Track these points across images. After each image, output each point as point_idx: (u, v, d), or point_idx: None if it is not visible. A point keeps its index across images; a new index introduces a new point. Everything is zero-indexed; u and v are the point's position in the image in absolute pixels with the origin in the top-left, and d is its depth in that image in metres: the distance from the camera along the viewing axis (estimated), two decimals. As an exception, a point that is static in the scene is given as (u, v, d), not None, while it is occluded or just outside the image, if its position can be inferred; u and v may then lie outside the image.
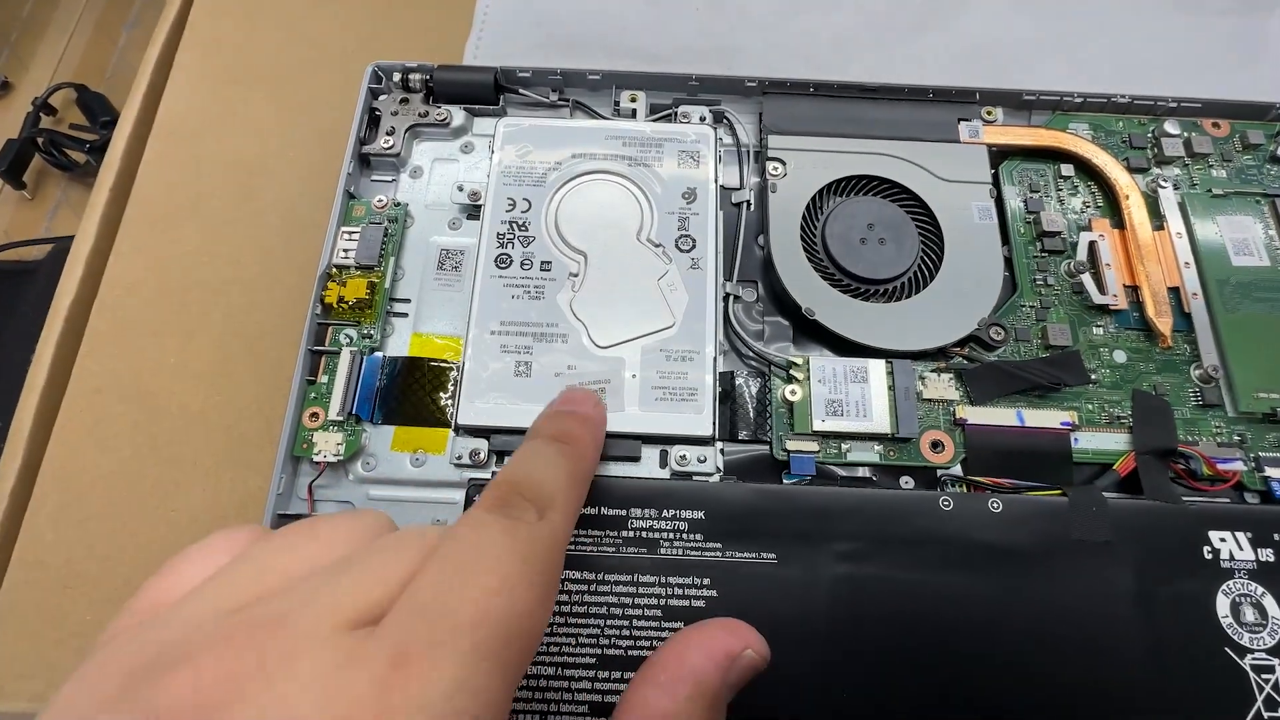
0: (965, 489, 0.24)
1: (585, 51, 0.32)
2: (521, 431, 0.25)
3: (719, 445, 0.24)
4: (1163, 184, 0.28)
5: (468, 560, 0.13)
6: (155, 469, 0.26)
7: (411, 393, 0.25)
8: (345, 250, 0.27)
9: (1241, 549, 0.23)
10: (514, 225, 0.27)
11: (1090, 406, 0.25)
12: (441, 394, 0.25)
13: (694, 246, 0.26)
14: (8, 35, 0.54)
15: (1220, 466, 0.24)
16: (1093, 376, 0.26)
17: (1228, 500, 0.24)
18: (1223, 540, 0.23)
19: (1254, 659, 0.22)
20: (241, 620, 0.12)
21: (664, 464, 0.24)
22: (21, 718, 0.23)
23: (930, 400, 0.25)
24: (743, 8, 0.34)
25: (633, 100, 0.30)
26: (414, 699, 0.11)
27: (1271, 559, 0.23)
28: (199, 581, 0.13)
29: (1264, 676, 0.22)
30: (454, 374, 0.25)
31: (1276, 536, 0.23)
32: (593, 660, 0.21)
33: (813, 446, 0.24)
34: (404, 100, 0.29)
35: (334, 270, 0.26)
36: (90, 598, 0.25)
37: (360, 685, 0.11)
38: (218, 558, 0.14)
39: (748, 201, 0.28)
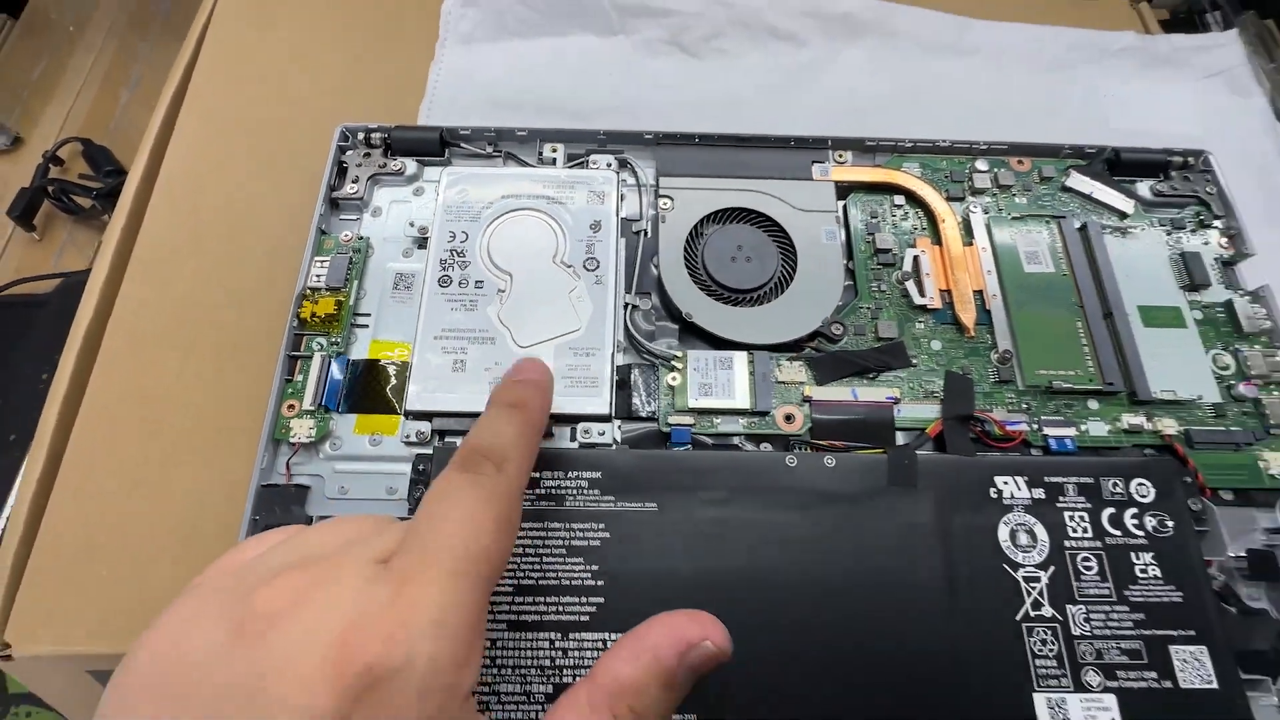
0: (807, 450, 0.30)
1: (519, 111, 0.39)
2: (458, 415, 0.31)
3: (616, 422, 0.31)
4: (973, 209, 0.35)
5: (442, 508, 0.18)
6: (159, 456, 0.32)
7: (370, 387, 0.31)
8: (318, 275, 0.33)
9: (1020, 489, 0.29)
10: (454, 253, 0.33)
11: (911, 384, 0.32)
12: (393, 387, 0.31)
13: (598, 267, 0.33)
14: (19, 95, 0.61)
15: (1009, 428, 0.31)
16: (914, 361, 0.32)
17: (1016, 454, 0.31)
18: (1005, 483, 0.29)
19: (1025, 572, 0.28)
20: (301, 560, 0.18)
21: (573, 438, 0.30)
22: (46, 660, 0.29)
23: (784, 382, 0.31)
24: (651, 74, 0.42)
25: (554, 151, 0.37)
26: (415, 603, 0.16)
27: (1042, 496, 0.29)
28: (263, 551, 0.19)
29: (1031, 584, 0.28)
30: (404, 371, 0.31)
31: (1046, 479, 0.29)
32: (510, 588, 0.27)
33: (689, 420, 0.30)
34: (367, 154, 0.36)
35: (308, 291, 0.32)
36: (105, 562, 0.30)
37: (381, 593, 0.16)
38: (273, 539, 0.20)
39: (645, 230, 0.35)
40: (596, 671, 0.19)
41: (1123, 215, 0.36)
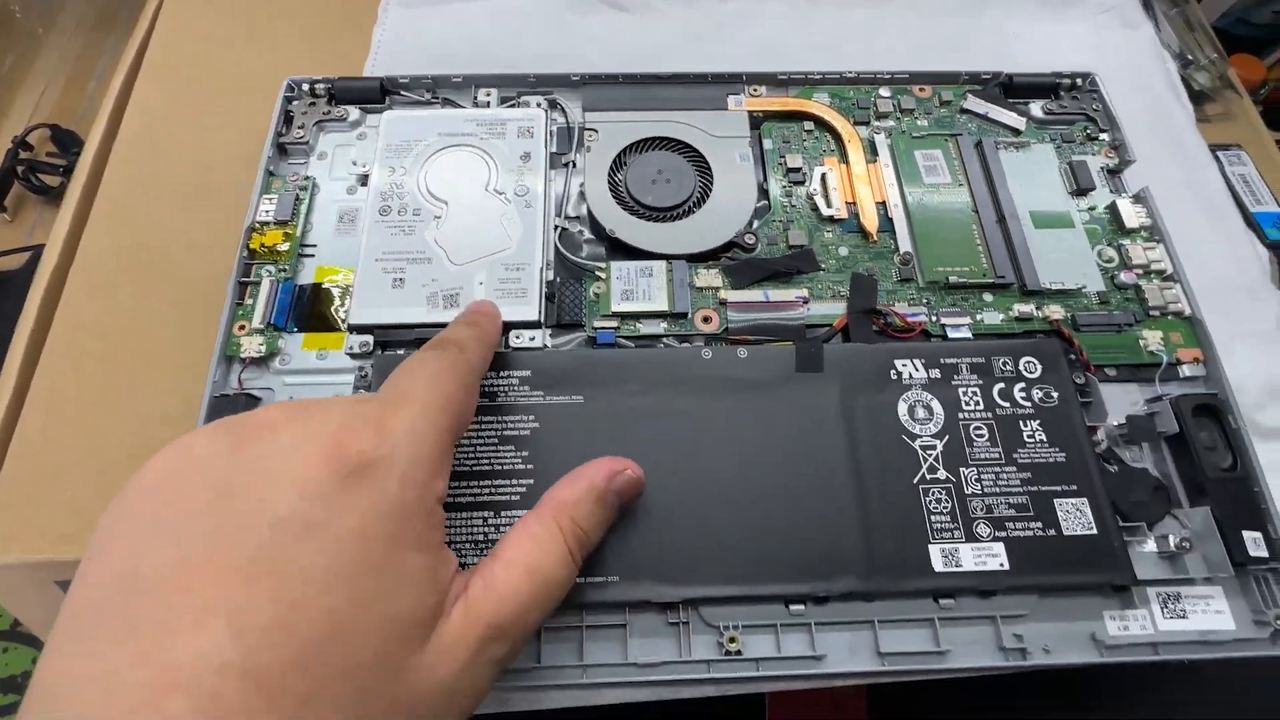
0: (722, 344, 0.32)
1: (458, 64, 0.41)
2: (398, 327, 0.33)
3: (546, 330, 0.33)
4: (878, 132, 0.38)
5: (411, 366, 0.23)
6: (122, 381, 0.34)
7: (316, 307, 0.33)
8: (266, 210, 0.35)
9: (918, 371, 0.32)
10: (394, 185, 0.35)
11: (820, 286, 0.34)
12: (338, 306, 0.33)
13: (528, 193, 0.35)
14: (-12, 91, 0.63)
15: (909, 319, 0.33)
16: (822, 266, 0.35)
17: (917, 343, 0.33)
18: (904, 365, 0.32)
19: (922, 441, 0.30)
20: (291, 402, 0.21)
21: (507, 345, 0.33)
22: (16, 569, 0.30)
23: (701, 288, 0.34)
24: (583, 29, 0.45)
25: (487, 95, 0.39)
26: (395, 417, 0.20)
27: (938, 376, 0.32)
28: None
29: (928, 451, 0.30)
30: (348, 292, 0.33)
31: (942, 361, 0.32)
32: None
33: (613, 324, 0.33)
34: (312, 103, 0.38)
35: (257, 225, 0.35)
36: (72, 478, 0.32)
37: (366, 410, 0.20)
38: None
39: (573, 161, 0.37)
40: (543, 500, 0.24)
41: (1016, 132, 0.39)
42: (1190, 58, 0.54)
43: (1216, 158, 0.55)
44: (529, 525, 0.23)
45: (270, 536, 0.16)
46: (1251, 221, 0.52)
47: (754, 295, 0.34)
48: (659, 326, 0.33)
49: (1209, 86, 0.56)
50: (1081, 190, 0.37)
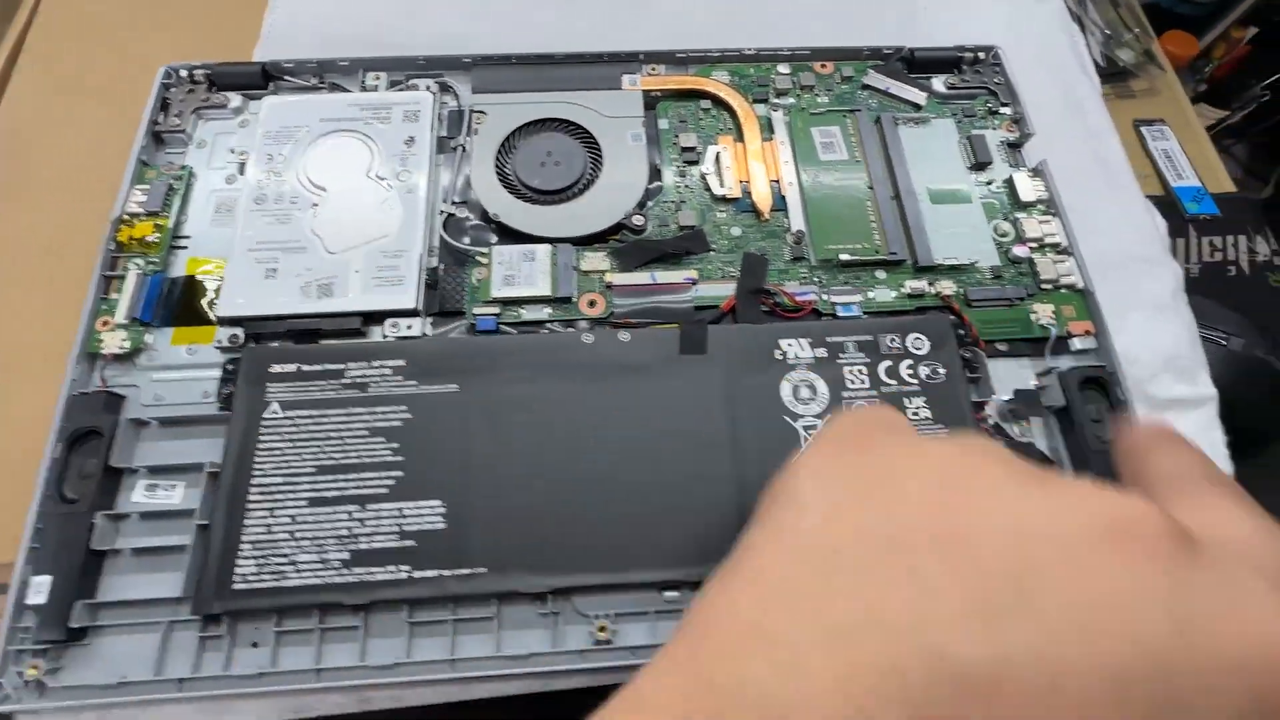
0: (605, 328, 0.32)
1: (352, 49, 0.40)
2: (270, 319, 0.32)
3: (427, 318, 0.32)
4: (776, 109, 0.37)
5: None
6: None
7: (187, 301, 0.32)
8: (139, 202, 0.34)
9: (803, 350, 0.31)
10: (271, 173, 0.34)
11: (710, 267, 0.34)
12: (211, 299, 0.32)
13: (410, 177, 0.34)
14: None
15: (798, 298, 0.33)
16: (713, 246, 0.34)
17: (806, 322, 0.33)
18: (789, 345, 0.31)
19: (804, 422, 0.30)
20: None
21: (385, 335, 0.32)
22: None
23: (587, 271, 0.33)
24: (481, 7, 0.43)
25: (376, 79, 0.38)
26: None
27: (824, 355, 0.31)
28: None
29: (810, 431, 0.30)
30: (218, 283, 0.32)
31: (828, 339, 0.31)
32: (313, 469, 0.28)
33: (494, 310, 0.32)
34: (191, 90, 0.37)
35: (126, 217, 0.33)
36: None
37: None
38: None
39: (462, 145, 0.36)
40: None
41: (917, 107, 0.38)
42: (1109, 33, 0.54)
43: (1139, 133, 0.55)
44: None
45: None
46: (1171, 195, 0.52)
47: (641, 278, 0.33)
48: (542, 312, 0.32)
49: (1132, 62, 0.56)
50: (980, 165, 0.37)
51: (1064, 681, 0.09)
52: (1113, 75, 0.58)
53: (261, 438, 0.29)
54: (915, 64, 0.39)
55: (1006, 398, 0.32)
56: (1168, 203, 0.53)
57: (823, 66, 0.39)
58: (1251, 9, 0.87)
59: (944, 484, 0.12)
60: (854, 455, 0.13)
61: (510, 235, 0.34)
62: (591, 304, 0.32)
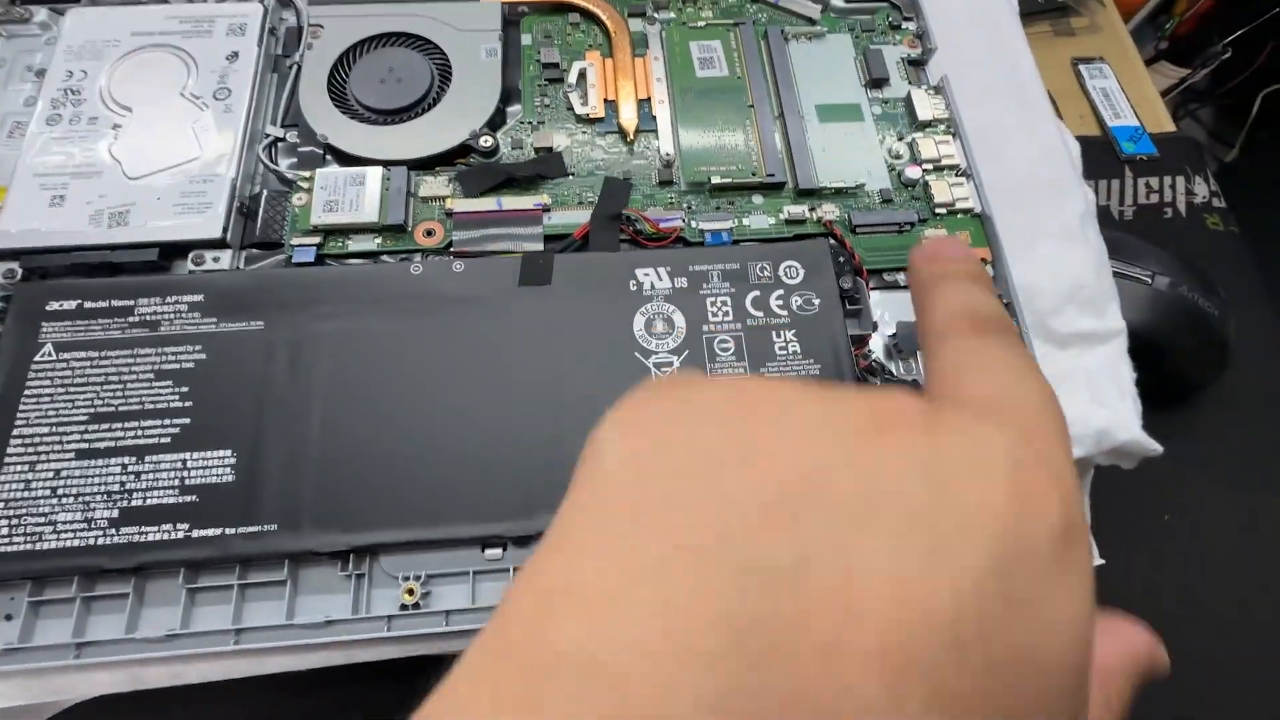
0: (438, 258, 0.28)
1: (190, -36, 0.36)
2: (51, 251, 0.28)
3: (241, 251, 0.28)
4: (650, 22, 0.34)
5: (1011, 361, 0.13)
6: None
7: (-37, 235, 0.28)
8: (-85, 126, 0.30)
9: (661, 280, 0.28)
10: (69, 91, 0.30)
11: (567, 193, 0.30)
12: (-9, 233, 0.28)
13: (229, 95, 0.30)
14: None
15: (661, 225, 0.29)
16: (570, 171, 0.30)
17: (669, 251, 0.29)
18: (646, 275, 0.28)
19: (657, 358, 0.27)
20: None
21: (191, 270, 0.28)
22: None
23: (425, 198, 0.29)
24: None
25: (206, -10, 0.34)
26: (1059, 459, 0.11)
27: (685, 285, 0.28)
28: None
29: (663, 369, 0.27)
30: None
31: (690, 268, 0.28)
32: (86, 417, 0.25)
33: (314, 240, 0.28)
34: (-11, 3, 0.33)
35: (-101, 141, 0.29)
36: None
37: (1023, 444, 0.11)
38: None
39: (298, 63, 0.32)
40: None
41: (811, 22, 0.35)
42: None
43: (1077, 70, 0.52)
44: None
45: (976, 592, 0.10)
46: (1108, 135, 0.49)
47: (486, 204, 0.29)
48: (372, 242, 0.29)
49: (1071, -4, 0.53)
50: (875, 82, 0.33)
51: (853, 562, 0.09)
52: (1052, 11, 0.55)
53: (30, 383, 0.25)
54: (812, -25, 0.36)
55: (890, 332, 0.28)
56: (1104, 143, 0.50)
57: (711, -22, 0.36)
58: (1212, -43, 0.84)
59: (739, 405, 0.12)
60: (655, 400, 0.12)
61: (344, 160, 0.30)
62: (429, 233, 0.29)
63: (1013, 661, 0.10)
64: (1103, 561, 0.25)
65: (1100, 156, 0.48)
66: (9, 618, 0.23)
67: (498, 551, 0.24)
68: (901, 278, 0.30)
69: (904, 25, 0.35)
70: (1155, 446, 0.29)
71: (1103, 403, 0.29)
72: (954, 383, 0.13)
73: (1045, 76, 0.39)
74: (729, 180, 0.30)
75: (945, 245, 0.15)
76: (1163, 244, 0.41)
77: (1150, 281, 0.37)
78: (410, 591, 0.23)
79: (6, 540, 0.23)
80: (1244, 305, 0.43)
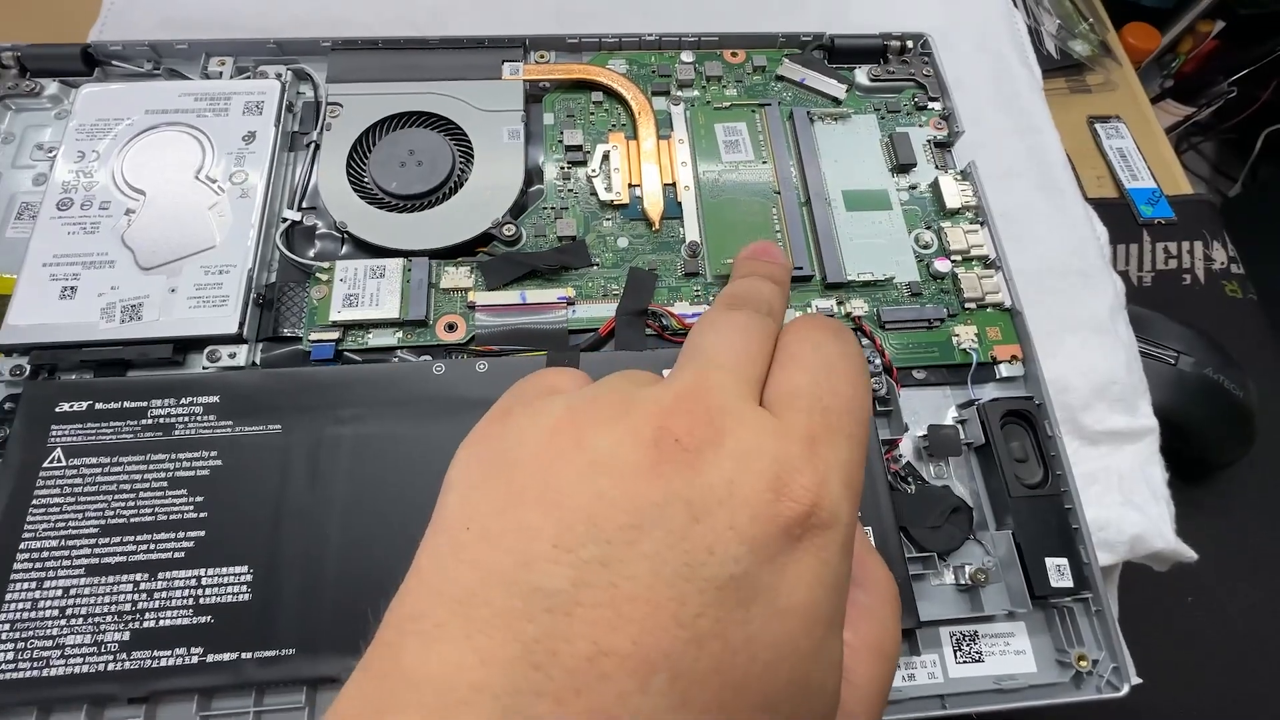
0: (461, 357, 0.27)
1: (204, 31, 0.35)
2: (62, 347, 0.27)
3: (257, 345, 0.28)
4: (674, 103, 0.33)
5: (835, 367, 0.15)
6: None
7: (-30, 326, 0.28)
8: (-78, 208, 0.29)
9: (689, 381, 0.27)
10: (81, 174, 0.29)
11: (591, 285, 0.29)
12: (-3, 324, 0.28)
13: (246, 179, 0.30)
14: None
15: (687, 320, 0.29)
16: (595, 260, 0.30)
17: (701, 349, 0.29)
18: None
19: (685, 466, 0.26)
20: (688, 393, 0.14)
21: (206, 366, 0.27)
22: None
23: (447, 289, 0.29)
24: (361, -13, 0.39)
25: (221, 65, 0.33)
26: (828, 460, 0.14)
27: (713, 387, 0.27)
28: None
29: (691, 479, 0.26)
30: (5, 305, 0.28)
31: (718, 368, 0.27)
32: (96, 529, 0.24)
33: (333, 335, 0.27)
34: (-1, 76, 0.32)
35: (-96, 225, 0.29)
36: None
37: (795, 448, 0.13)
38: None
39: (316, 142, 0.32)
40: (860, 555, 0.17)
41: (836, 101, 0.34)
42: (1063, 24, 0.51)
43: (1093, 129, 0.52)
44: (856, 598, 0.17)
45: (718, 596, 0.12)
46: (1125, 197, 0.49)
47: (509, 297, 0.29)
48: (392, 337, 0.28)
49: (1087, 55, 0.53)
50: (902, 167, 0.33)
51: (619, 582, 0.12)
52: (1068, 69, 0.55)
53: (38, 493, 0.24)
54: (836, 53, 0.35)
55: (921, 434, 0.28)
56: (1122, 205, 0.50)
57: (733, 55, 0.35)
58: (1218, 2, 0.85)
59: (550, 441, 0.13)
60: (494, 430, 0.15)
61: (363, 248, 0.30)
62: (451, 328, 0.28)
63: (745, 648, 0.12)
64: (1140, 681, 0.25)
65: (1119, 220, 0.48)
66: (13, 747, 0.22)
67: (523, 675, 0.24)
68: (929, 375, 0.29)
69: (930, 105, 0.35)
70: (1190, 554, 0.28)
71: (1135, 505, 0.29)
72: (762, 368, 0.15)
73: (1062, 135, 0.38)
74: (756, 273, 0.30)
75: (768, 249, 0.19)
76: (1183, 313, 0.41)
77: (1175, 362, 0.37)
78: (432, 720, 0.23)
79: (12, 666, 0.22)
80: (1264, 374, 0.43)
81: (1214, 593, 0.37)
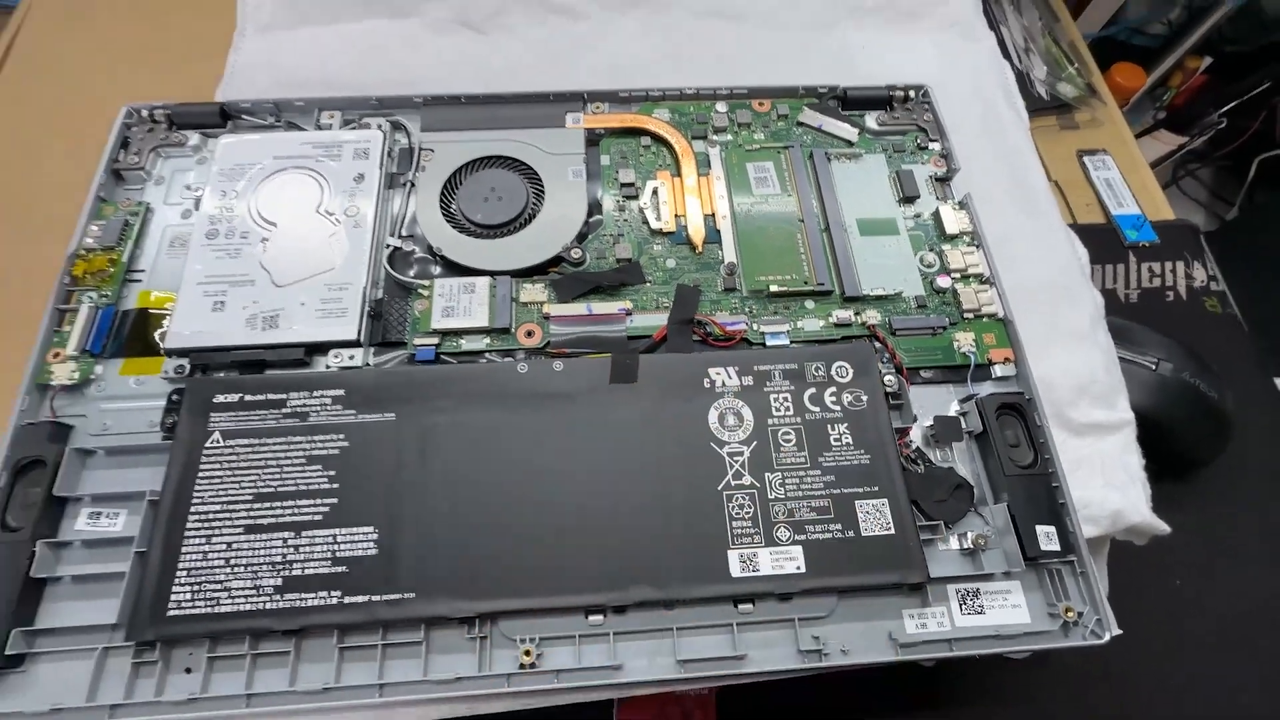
0: (540, 358, 0.33)
1: (309, 88, 0.41)
2: (216, 350, 0.33)
3: (370, 349, 0.33)
4: (711, 145, 0.39)
5: None
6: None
7: (137, 334, 0.33)
8: (94, 237, 0.35)
9: (730, 378, 0.32)
10: (224, 209, 0.36)
11: (645, 298, 0.35)
12: (157, 333, 0.33)
13: (358, 213, 0.36)
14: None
15: (728, 328, 0.34)
16: (648, 279, 0.35)
17: (735, 351, 0.34)
18: (718, 374, 0.32)
19: (730, 448, 0.31)
20: None
21: (328, 366, 0.33)
22: None
23: (525, 303, 0.34)
24: (439, 51, 0.45)
25: (330, 118, 0.39)
26: None
27: (751, 383, 0.32)
28: None
29: (735, 458, 0.31)
30: (167, 316, 0.33)
31: (755, 368, 0.33)
32: (250, 496, 0.29)
33: (433, 341, 0.33)
34: (150, 129, 0.38)
35: (83, 251, 0.35)
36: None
37: None
38: None
39: (411, 181, 0.38)
40: None
41: (849, 144, 0.40)
42: (1049, 69, 0.57)
43: (1082, 162, 0.57)
44: None
45: None
46: (1112, 223, 0.54)
47: (577, 309, 0.34)
48: (481, 342, 0.33)
49: (1074, 96, 0.58)
50: (908, 198, 0.38)
51: None
52: (1058, 108, 0.60)
53: (203, 467, 0.30)
54: (848, 102, 0.41)
55: (928, 424, 0.33)
56: (1109, 230, 0.55)
57: (760, 105, 0.41)
58: (1203, 40, 0.91)
59: None
60: None
61: (453, 268, 0.36)
62: (529, 334, 0.34)
63: None
64: (1120, 632, 0.29)
65: (1106, 243, 0.53)
66: (189, 671, 0.27)
67: (599, 618, 0.28)
68: (934, 374, 0.34)
69: (930, 146, 0.40)
70: (1163, 527, 0.32)
71: (1115, 487, 0.33)
72: None
73: (1053, 168, 0.44)
74: (785, 288, 0.35)
75: None
76: (1166, 327, 0.46)
77: (1155, 368, 0.41)
78: (527, 653, 0.27)
79: (190, 604, 0.27)
80: (1240, 384, 0.47)
81: (1199, 572, 0.41)
